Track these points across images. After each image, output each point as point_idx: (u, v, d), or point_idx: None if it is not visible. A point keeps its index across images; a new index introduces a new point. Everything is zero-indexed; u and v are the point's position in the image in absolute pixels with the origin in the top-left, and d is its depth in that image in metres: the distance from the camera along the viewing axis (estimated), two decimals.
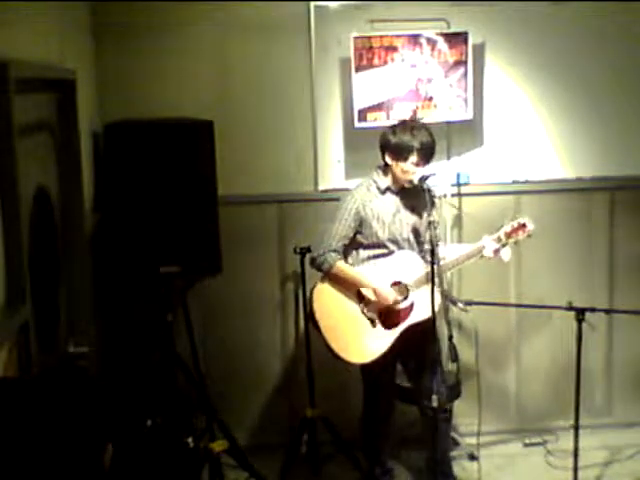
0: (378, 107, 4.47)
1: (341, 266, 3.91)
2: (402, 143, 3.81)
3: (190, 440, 3.94)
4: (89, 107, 4.08)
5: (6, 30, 2.82)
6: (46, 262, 3.41)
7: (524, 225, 3.88)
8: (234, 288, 4.61)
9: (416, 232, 3.96)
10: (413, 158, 3.80)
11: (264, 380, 4.79)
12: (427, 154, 3.82)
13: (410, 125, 3.89)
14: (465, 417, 4.67)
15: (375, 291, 3.88)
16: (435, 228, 3.60)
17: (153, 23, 4.39)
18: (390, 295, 3.88)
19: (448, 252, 3.95)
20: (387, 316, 3.93)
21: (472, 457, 4.57)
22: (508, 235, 3.88)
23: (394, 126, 3.92)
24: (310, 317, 4.02)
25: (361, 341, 3.92)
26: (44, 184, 3.39)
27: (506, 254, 3.94)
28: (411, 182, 3.85)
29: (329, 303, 3.95)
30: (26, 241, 2.89)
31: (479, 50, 4.57)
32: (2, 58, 2.69)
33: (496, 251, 3.89)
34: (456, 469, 4.37)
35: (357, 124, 4.47)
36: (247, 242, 4.60)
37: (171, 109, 4.27)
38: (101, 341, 4.04)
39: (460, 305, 3.98)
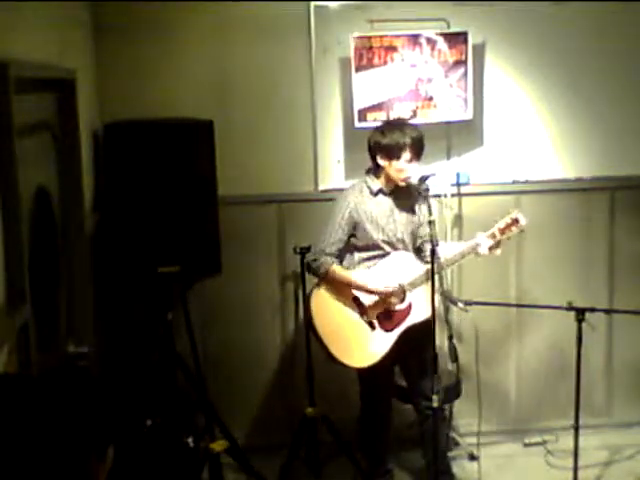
0: (378, 107, 4.47)
1: (336, 269, 3.90)
2: (393, 141, 3.81)
3: (190, 440, 3.94)
4: (89, 107, 4.07)
5: (6, 30, 2.82)
6: (46, 262, 3.41)
7: (516, 220, 3.89)
8: (234, 288, 4.61)
9: (410, 232, 3.96)
10: (406, 155, 3.80)
11: (264, 380, 4.79)
12: (419, 149, 3.82)
13: (397, 123, 3.92)
14: (465, 417, 4.67)
15: (372, 291, 3.87)
16: (434, 228, 3.60)
17: (153, 23, 4.39)
18: (387, 286, 3.86)
19: (443, 250, 3.93)
20: (385, 319, 3.92)
21: (472, 457, 4.57)
22: (502, 231, 3.89)
23: (381, 127, 3.93)
24: (308, 323, 4.02)
25: (360, 345, 3.91)
26: (44, 184, 3.39)
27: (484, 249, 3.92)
28: (405, 180, 3.84)
29: (326, 308, 3.94)
30: (26, 241, 2.89)
31: (479, 50, 4.57)
32: (2, 58, 2.69)
33: (491, 248, 3.89)
34: (456, 469, 4.37)
35: (357, 124, 4.47)
36: (247, 242, 4.60)
37: (171, 109, 4.27)
38: (101, 341, 4.04)
39: (460, 305, 3.96)
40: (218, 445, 4.13)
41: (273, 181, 4.62)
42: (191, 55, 4.49)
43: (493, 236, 3.89)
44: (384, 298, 3.90)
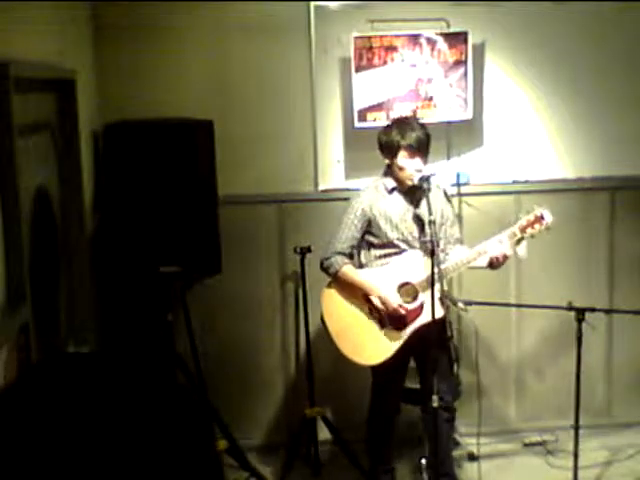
0: (378, 107, 4.47)
1: (347, 270, 3.88)
2: (389, 140, 3.83)
3: None
4: (89, 107, 4.07)
5: (6, 30, 2.82)
6: (46, 262, 3.41)
7: (541, 217, 3.73)
8: (234, 288, 4.61)
9: (423, 231, 3.92)
10: (403, 153, 3.79)
11: (264, 380, 4.79)
12: (419, 148, 3.78)
13: (399, 122, 3.91)
14: (465, 417, 4.67)
15: (380, 298, 3.86)
16: (436, 232, 3.59)
17: (153, 23, 4.39)
18: (395, 300, 3.83)
19: (455, 254, 3.90)
20: (397, 317, 3.89)
21: (472, 457, 4.56)
22: (523, 229, 3.73)
23: (386, 125, 3.96)
24: (320, 321, 4.02)
25: (370, 343, 3.89)
26: (44, 184, 3.39)
27: (522, 250, 3.78)
28: (409, 179, 3.83)
29: (337, 306, 3.93)
30: (26, 241, 2.89)
31: (479, 50, 4.57)
32: (2, 58, 2.69)
33: (504, 256, 3.70)
34: (456, 469, 4.36)
35: (357, 124, 4.47)
36: (247, 242, 4.60)
37: (171, 109, 4.27)
38: (101, 341, 4.04)
39: (460, 305, 3.95)
40: (218, 445, 4.13)
41: (273, 181, 4.62)
42: (191, 55, 4.49)
43: (513, 235, 3.72)
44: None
